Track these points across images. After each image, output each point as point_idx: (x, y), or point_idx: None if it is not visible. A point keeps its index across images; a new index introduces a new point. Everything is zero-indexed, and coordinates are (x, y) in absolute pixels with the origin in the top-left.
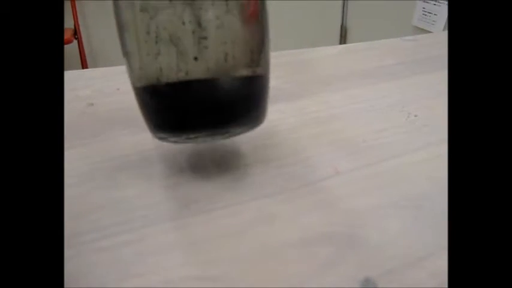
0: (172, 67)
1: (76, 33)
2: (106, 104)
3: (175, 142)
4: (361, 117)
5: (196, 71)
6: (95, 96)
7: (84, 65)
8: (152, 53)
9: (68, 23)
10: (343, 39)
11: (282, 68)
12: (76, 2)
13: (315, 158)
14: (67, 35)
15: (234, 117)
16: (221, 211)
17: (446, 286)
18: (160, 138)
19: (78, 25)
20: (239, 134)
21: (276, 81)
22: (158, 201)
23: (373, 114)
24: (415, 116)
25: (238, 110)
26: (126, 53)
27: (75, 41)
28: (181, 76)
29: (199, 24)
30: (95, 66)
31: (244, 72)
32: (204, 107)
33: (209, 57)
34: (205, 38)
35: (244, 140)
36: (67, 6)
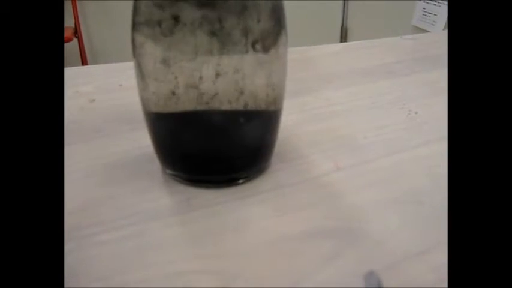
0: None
1: (76, 31)
2: (107, 100)
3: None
4: (362, 114)
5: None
6: (96, 93)
7: (84, 64)
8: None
9: (69, 22)
10: (343, 40)
11: None
12: (76, 1)
13: (316, 154)
14: (67, 33)
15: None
16: (222, 206)
17: (447, 280)
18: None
19: (79, 24)
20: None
21: None
22: (158, 196)
23: (373, 111)
24: (416, 113)
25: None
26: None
27: (76, 40)
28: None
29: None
30: (95, 64)
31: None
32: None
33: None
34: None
35: None
36: (68, 5)
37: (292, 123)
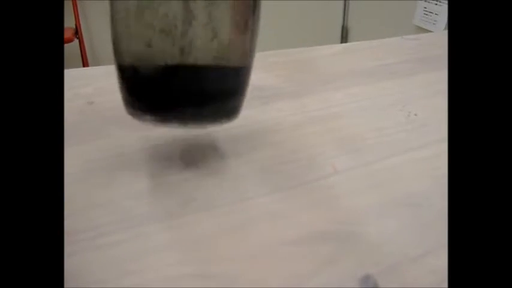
0: (159, 53)
1: (77, 32)
2: (106, 102)
3: (149, 120)
4: (361, 115)
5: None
6: (95, 94)
7: (85, 64)
8: (142, 37)
9: (69, 22)
10: (344, 39)
11: (283, 67)
12: (77, 2)
13: (314, 157)
14: (68, 34)
15: (211, 103)
16: (220, 209)
17: (446, 283)
18: (134, 115)
19: (79, 24)
20: (212, 123)
21: (277, 79)
22: (156, 199)
23: (373, 113)
24: (415, 114)
25: (217, 98)
26: (115, 33)
27: (76, 40)
28: (168, 61)
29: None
30: (96, 65)
31: (230, 61)
32: (185, 91)
33: (196, 46)
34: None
35: (243, 138)
36: (68, 6)
37: (291, 125)
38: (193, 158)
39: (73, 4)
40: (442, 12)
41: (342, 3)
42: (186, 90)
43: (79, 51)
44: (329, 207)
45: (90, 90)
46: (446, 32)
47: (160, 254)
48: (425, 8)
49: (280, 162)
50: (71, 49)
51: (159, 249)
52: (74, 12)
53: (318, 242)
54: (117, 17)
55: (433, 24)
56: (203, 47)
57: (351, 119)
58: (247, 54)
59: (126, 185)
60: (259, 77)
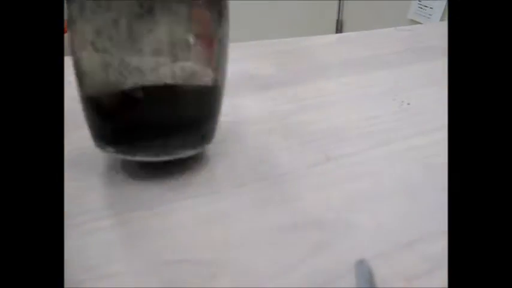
0: (119, 78)
1: None
2: None
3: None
4: (354, 104)
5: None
6: None
7: None
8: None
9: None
10: (339, 33)
11: (276, 56)
12: None
13: (307, 144)
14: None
15: (179, 130)
16: (210, 196)
17: (439, 269)
18: (101, 148)
19: None
20: (183, 152)
21: (270, 68)
22: (145, 185)
23: (366, 102)
24: (408, 104)
25: (186, 124)
26: (79, 72)
27: None
28: (130, 86)
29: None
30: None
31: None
32: (148, 119)
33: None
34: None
35: (235, 126)
36: None
37: (283, 113)
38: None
39: None
40: (436, 6)
41: None
42: (148, 119)
43: None
44: (322, 194)
45: None
46: (438, 24)
47: (150, 241)
48: (419, 2)
49: (272, 149)
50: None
51: (149, 236)
52: None
53: (309, 229)
54: (77, 56)
55: (428, 18)
56: (165, 71)
57: (344, 108)
58: (215, 73)
59: (115, 171)
60: (253, 65)
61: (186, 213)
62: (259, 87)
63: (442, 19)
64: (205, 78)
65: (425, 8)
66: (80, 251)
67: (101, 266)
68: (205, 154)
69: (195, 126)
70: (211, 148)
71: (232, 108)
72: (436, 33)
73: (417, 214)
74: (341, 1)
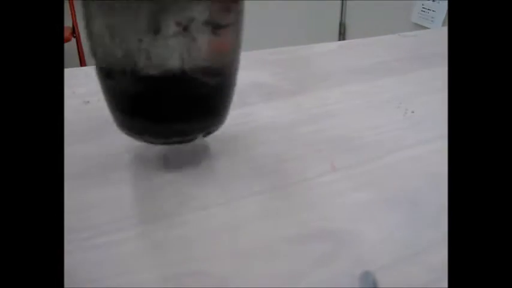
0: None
1: (74, 31)
2: (102, 102)
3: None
4: (358, 113)
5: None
6: (91, 94)
7: (82, 63)
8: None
9: (67, 22)
10: (342, 36)
11: (279, 65)
12: (74, 1)
13: (312, 155)
14: (66, 33)
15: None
16: (217, 208)
17: (444, 281)
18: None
19: (77, 23)
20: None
21: (273, 77)
22: (152, 199)
23: (370, 111)
24: (412, 112)
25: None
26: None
27: (74, 40)
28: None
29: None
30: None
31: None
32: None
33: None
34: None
35: (239, 137)
36: (65, 5)
37: (288, 124)
38: (188, 157)
39: (70, 3)
40: (439, 9)
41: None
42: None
43: (76, 50)
44: (326, 205)
45: (86, 89)
46: (443, 29)
47: (157, 253)
48: (423, 5)
49: (276, 160)
50: (68, 48)
51: (155, 248)
52: (71, 11)
53: (315, 239)
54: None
55: (431, 21)
56: (183, 55)
57: (348, 117)
58: (231, 55)
59: (121, 186)
60: (256, 74)
61: (194, 225)
62: (263, 97)
63: (444, 22)
64: (222, 58)
65: (428, 11)
66: (86, 263)
67: (109, 277)
68: (212, 164)
69: (210, 105)
70: (218, 158)
71: (234, 119)
72: (440, 39)
73: (422, 224)
74: (344, 4)
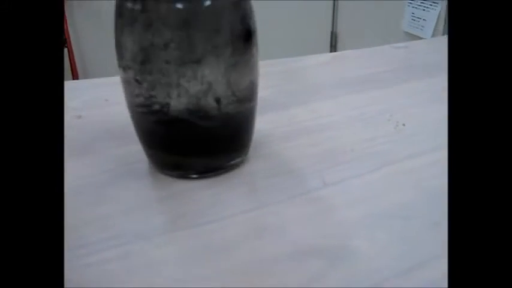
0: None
1: (66, 42)
2: (94, 116)
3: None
4: (350, 126)
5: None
6: (83, 108)
7: (74, 74)
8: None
9: None
10: (333, 45)
11: (272, 77)
12: (66, 12)
13: (303, 169)
14: None
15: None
16: (211, 225)
17: None
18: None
19: (69, 34)
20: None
21: (266, 91)
22: (146, 216)
23: (361, 123)
24: (403, 125)
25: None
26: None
27: (66, 50)
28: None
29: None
30: (86, 75)
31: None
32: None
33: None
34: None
35: None
36: None
37: (280, 137)
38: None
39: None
40: (429, 18)
41: (331, 9)
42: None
43: (68, 61)
44: (319, 221)
45: (78, 103)
46: (434, 39)
47: (151, 271)
48: (413, 13)
49: (269, 175)
50: None
51: (149, 266)
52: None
53: (308, 256)
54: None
55: (421, 29)
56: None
57: (340, 130)
58: (252, 87)
59: (115, 202)
60: None
61: (184, 243)
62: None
63: (434, 30)
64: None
65: (418, 19)
66: (81, 282)
67: None
68: (206, 183)
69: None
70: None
71: None
72: (432, 49)
73: (416, 239)
74: (335, 13)
